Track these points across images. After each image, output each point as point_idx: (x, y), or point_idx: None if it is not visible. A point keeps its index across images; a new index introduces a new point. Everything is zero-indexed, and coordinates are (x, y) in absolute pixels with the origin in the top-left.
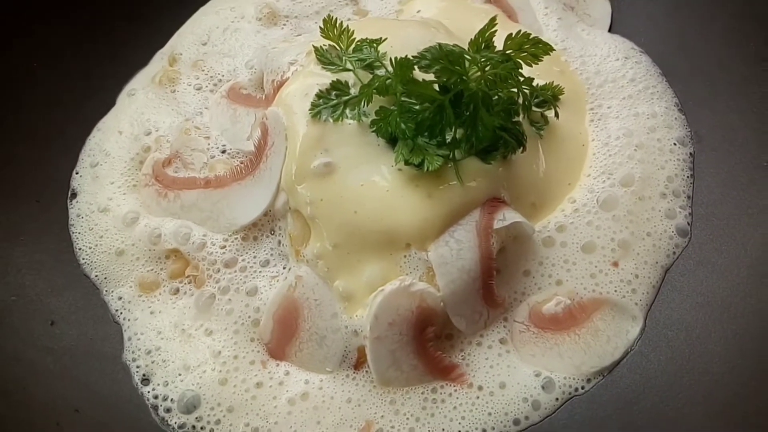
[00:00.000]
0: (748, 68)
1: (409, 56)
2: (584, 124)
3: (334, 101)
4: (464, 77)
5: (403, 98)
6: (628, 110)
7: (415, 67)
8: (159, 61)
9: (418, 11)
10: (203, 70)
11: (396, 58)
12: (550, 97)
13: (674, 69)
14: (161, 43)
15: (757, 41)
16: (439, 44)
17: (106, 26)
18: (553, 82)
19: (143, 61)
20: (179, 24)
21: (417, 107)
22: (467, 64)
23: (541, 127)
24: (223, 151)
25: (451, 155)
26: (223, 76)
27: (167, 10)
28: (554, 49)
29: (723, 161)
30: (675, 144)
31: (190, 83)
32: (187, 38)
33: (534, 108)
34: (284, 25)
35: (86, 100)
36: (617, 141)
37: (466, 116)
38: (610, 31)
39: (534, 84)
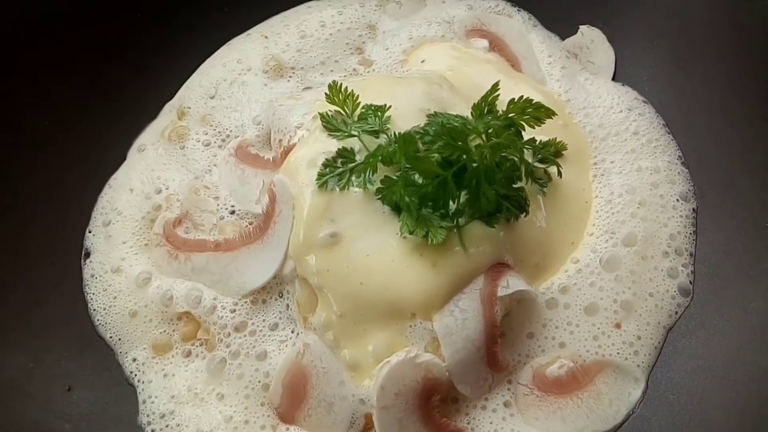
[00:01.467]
0: (752, 125)
1: (412, 131)
2: (588, 180)
3: (340, 169)
4: (466, 153)
5: (406, 168)
6: (631, 165)
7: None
8: (168, 114)
9: (423, 61)
10: (211, 125)
11: (399, 134)
12: (551, 156)
13: (678, 120)
14: (170, 95)
15: (761, 98)
16: (442, 121)
17: (114, 78)
18: (556, 138)
19: (152, 114)
20: (187, 75)
21: (420, 181)
22: (469, 137)
23: (544, 184)
24: (232, 212)
25: (455, 222)
26: (231, 131)
27: (174, 60)
28: (556, 114)
29: (725, 219)
30: (678, 200)
31: (199, 139)
32: (195, 91)
33: (537, 164)
34: (290, 77)
35: (97, 154)
36: (620, 198)
37: (470, 188)
38: (614, 79)
39: (537, 141)
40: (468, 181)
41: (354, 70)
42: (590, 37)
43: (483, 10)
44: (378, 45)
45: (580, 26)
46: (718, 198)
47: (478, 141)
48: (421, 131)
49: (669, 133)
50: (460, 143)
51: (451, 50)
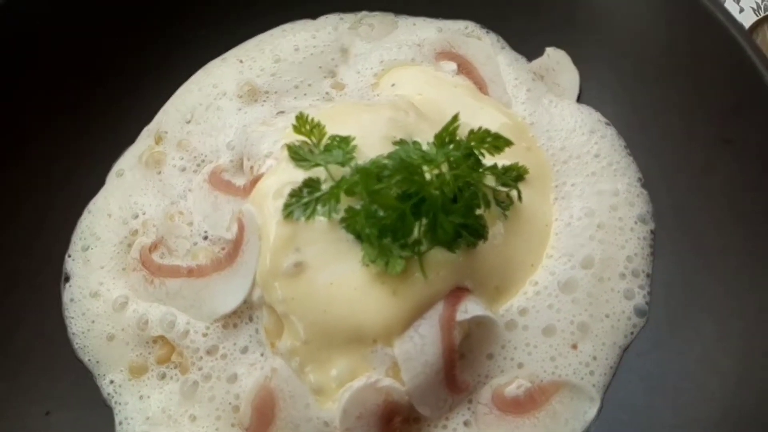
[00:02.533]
0: (712, 147)
1: (373, 165)
2: (549, 203)
3: (306, 199)
4: (424, 186)
5: (367, 200)
6: (591, 188)
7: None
8: (146, 138)
9: (393, 85)
10: (187, 150)
11: (360, 167)
12: (512, 182)
13: (639, 142)
14: (148, 119)
15: (720, 121)
16: (400, 156)
17: (93, 102)
18: (518, 162)
19: (131, 138)
20: (165, 98)
21: (381, 214)
22: (426, 170)
23: (506, 207)
24: (205, 238)
25: (416, 250)
26: (206, 156)
27: (152, 84)
28: (514, 143)
29: (681, 242)
30: (636, 222)
31: (175, 164)
32: (172, 115)
33: (499, 187)
34: (264, 101)
35: (77, 178)
36: (579, 221)
37: (428, 220)
38: (578, 100)
39: (500, 165)
40: (426, 212)
41: (327, 93)
42: (556, 59)
43: (453, 32)
44: (350, 69)
45: (547, 48)
46: (675, 222)
47: (437, 173)
48: (381, 165)
49: (630, 155)
50: (416, 177)
51: (421, 74)
